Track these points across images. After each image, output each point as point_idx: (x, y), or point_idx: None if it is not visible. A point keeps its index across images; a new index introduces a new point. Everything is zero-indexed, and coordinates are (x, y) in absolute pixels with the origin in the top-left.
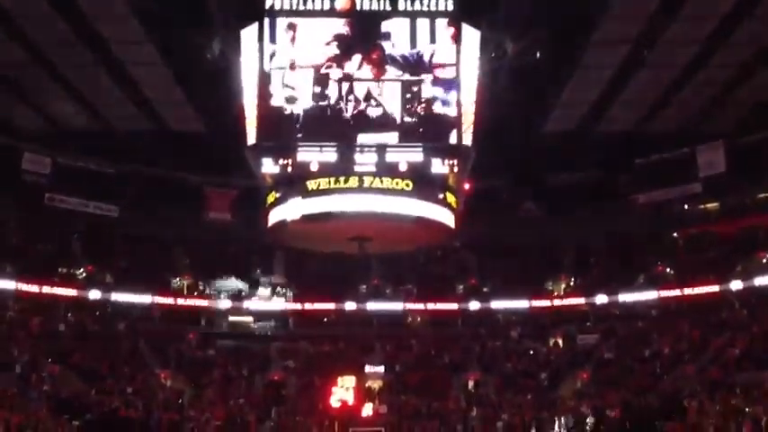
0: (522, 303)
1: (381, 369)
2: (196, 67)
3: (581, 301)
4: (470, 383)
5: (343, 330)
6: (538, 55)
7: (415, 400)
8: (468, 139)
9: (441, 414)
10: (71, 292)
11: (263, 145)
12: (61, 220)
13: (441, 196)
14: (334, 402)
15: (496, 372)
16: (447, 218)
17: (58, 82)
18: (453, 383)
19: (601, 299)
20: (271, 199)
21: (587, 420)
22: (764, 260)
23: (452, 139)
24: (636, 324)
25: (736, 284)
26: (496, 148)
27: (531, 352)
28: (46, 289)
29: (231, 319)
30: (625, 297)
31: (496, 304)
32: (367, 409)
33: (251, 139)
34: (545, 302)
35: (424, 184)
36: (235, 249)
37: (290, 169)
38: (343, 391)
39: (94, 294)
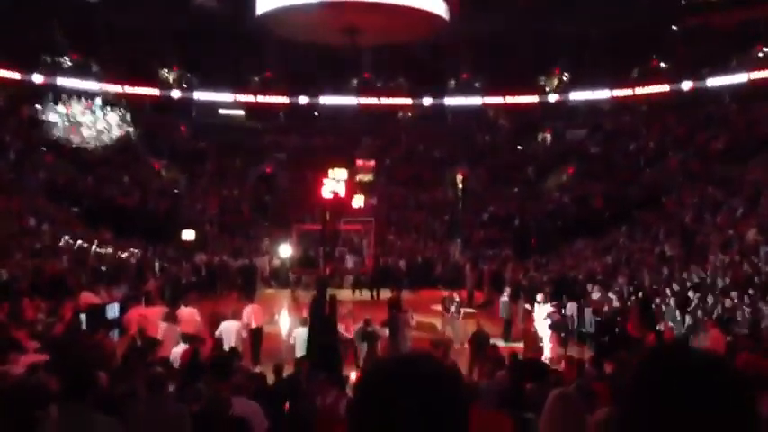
0: (513, 99)
1: (372, 162)
2: None
3: (572, 96)
4: (459, 177)
5: (334, 124)
6: None
7: (404, 192)
8: None
9: (429, 205)
10: (57, 80)
11: None
12: (42, 5)
13: None
14: (326, 194)
15: (484, 166)
16: (439, 8)
17: None
18: (442, 177)
19: (592, 95)
20: None
21: None
22: (760, 54)
23: None
24: (624, 119)
25: (728, 79)
26: None
27: (520, 147)
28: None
29: (222, 111)
30: (616, 93)
31: (488, 99)
32: (358, 201)
33: None
34: (535, 98)
35: None
36: (223, 41)
37: None
38: (333, 183)
39: (82, 84)
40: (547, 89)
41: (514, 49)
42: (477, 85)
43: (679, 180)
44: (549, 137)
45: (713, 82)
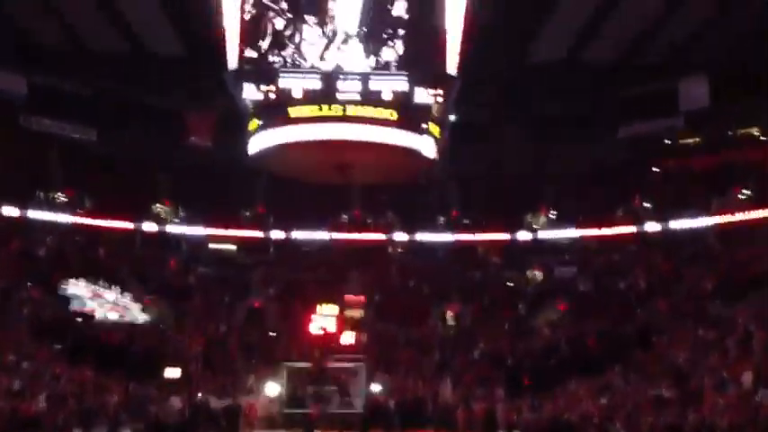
0: (502, 235)
1: (361, 298)
2: None
3: (560, 233)
4: (449, 313)
5: (324, 258)
6: None
7: (394, 329)
8: (453, 70)
9: (418, 342)
10: (50, 215)
11: (245, 69)
12: (37, 142)
13: (424, 126)
14: (315, 330)
15: (474, 302)
16: (430, 148)
17: None
18: (432, 313)
19: (579, 232)
20: (253, 126)
21: None
22: (740, 196)
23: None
24: (612, 257)
25: (710, 220)
26: (481, 78)
27: (510, 283)
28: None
29: (213, 245)
30: (603, 231)
31: (477, 236)
32: (347, 337)
33: (232, 63)
34: (525, 235)
35: (407, 114)
36: (215, 176)
37: (272, 96)
38: (323, 318)
39: (74, 219)
40: (534, 226)
41: (502, 186)
42: (465, 221)
43: (670, 320)
44: (538, 273)
45: (696, 222)
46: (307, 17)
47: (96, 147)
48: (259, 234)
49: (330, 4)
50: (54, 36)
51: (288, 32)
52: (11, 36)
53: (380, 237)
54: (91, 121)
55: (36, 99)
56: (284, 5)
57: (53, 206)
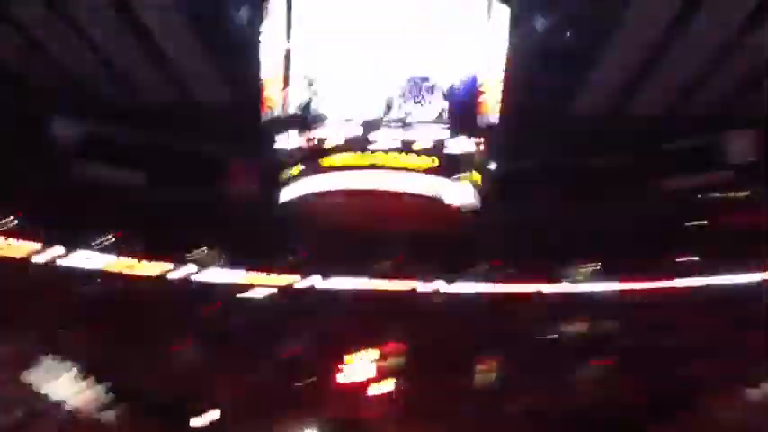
0: (543, 287)
1: (398, 348)
2: (223, 36)
3: (602, 286)
4: (488, 365)
5: (362, 306)
6: (568, 35)
7: (431, 380)
8: (495, 119)
9: (456, 394)
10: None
11: (287, 116)
12: (87, 188)
13: (466, 175)
14: (351, 378)
15: (513, 354)
16: (471, 197)
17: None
18: (471, 364)
19: (622, 285)
20: (292, 173)
21: None
22: None
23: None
24: (658, 313)
25: (759, 276)
26: (524, 130)
27: (551, 336)
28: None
29: (250, 292)
30: (646, 285)
31: (518, 287)
32: (383, 387)
33: (275, 111)
34: (567, 287)
35: (449, 162)
36: (256, 223)
37: (312, 143)
38: (359, 367)
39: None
40: (576, 278)
41: (544, 237)
42: (507, 271)
43: (716, 379)
44: (580, 327)
45: (744, 279)
46: None
47: (143, 193)
48: (297, 280)
49: None
50: (106, 84)
51: None
52: (67, 83)
53: (420, 285)
54: (139, 168)
55: (89, 146)
56: None
57: (98, 251)
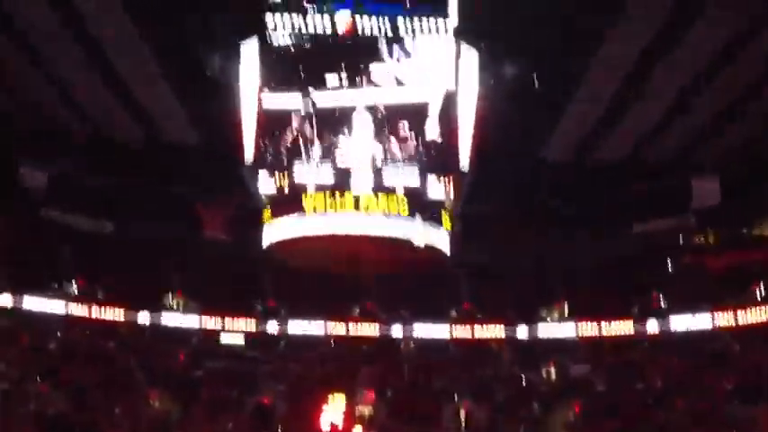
0: (515, 330)
1: (371, 393)
2: (194, 78)
3: (573, 329)
4: (461, 411)
5: (334, 352)
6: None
7: (403, 426)
8: (464, 163)
9: None
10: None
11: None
12: (53, 234)
13: (436, 220)
14: (324, 425)
15: (487, 399)
16: (443, 242)
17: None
18: (443, 410)
19: (592, 328)
20: (266, 218)
21: None
22: (756, 296)
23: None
24: (627, 355)
25: (727, 319)
26: (492, 173)
27: (524, 381)
28: (36, 304)
29: (222, 339)
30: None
31: (489, 331)
32: None
33: (248, 156)
34: (538, 330)
35: (420, 208)
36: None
37: (286, 189)
38: (332, 414)
39: (85, 311)
40: (547, 321)
41: (515, 281)
42: (477, 315)
43: (687, 421)
44: (552, 371)
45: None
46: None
47: (110, 238)
48: (269, 327)
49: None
50: (72, 125)
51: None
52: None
53: (391, 331)
54: (107, 213)
55: (54, 190)
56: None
57: (65, 298)
